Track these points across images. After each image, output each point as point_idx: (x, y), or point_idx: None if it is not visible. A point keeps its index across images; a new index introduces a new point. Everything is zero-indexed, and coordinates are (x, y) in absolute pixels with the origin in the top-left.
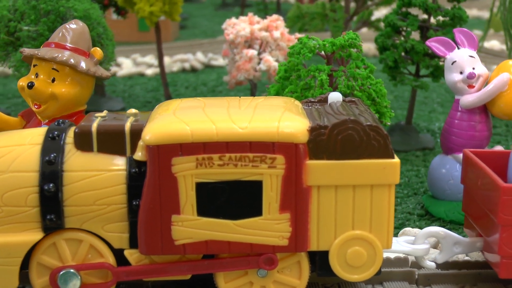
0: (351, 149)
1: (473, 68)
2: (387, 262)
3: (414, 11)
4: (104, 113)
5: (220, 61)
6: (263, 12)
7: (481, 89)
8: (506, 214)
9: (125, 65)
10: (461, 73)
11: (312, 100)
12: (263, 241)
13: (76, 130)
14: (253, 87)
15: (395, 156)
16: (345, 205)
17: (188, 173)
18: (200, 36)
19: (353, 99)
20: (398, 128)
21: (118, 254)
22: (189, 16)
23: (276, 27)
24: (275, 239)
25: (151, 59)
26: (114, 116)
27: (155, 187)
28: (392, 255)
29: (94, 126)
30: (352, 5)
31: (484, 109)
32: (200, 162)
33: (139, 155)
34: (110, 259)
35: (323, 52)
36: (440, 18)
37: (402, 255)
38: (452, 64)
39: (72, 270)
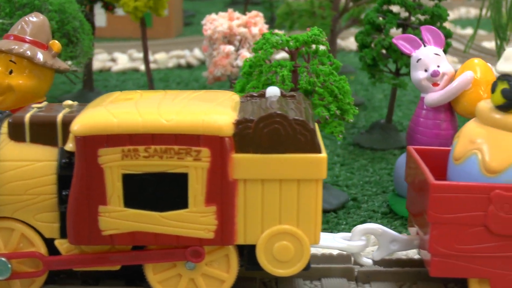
0: (277, 143)
1: (438, 66)
2: (328, 258)
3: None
4: (43, 104)
5: None
6: (269, 11)
7: (446, 87)
8: (436, 211)
9: (121, 61)
10: (425, 71)
11: (254, 94)
12: (189, 234)
13: (10, 120)
14: (232, 83)
15: (323, 150)
16: (272, 199)
17: (114, 164)
18: (200, 32)
19: (293, 94)
20: (378, 127)
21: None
22: (196, 13)
23: (255, 23)
24: (201, 232)
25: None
26: (51, 107)
27: (83, 177)
28: (334, 252)
29: (27, 117)
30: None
31: (449, 107)
32: (126, 153)
33: (70, 146)
34: (41, 248)
35: (289, 48)
36: (420, 16)
37: (345, 252)
38: (417, 61)
39: (3, 259)
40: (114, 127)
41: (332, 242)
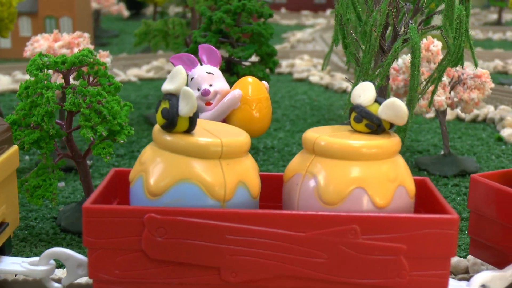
0: None
1: (210, 85)
2: (32, 284)
3: None
4: None
5: None
6: None
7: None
8: (91, 236)
9: (2, 82)
10: (198, 89)
11: None
12: None
13: None
14: None
15: None
16: None
17: None
18: (114, 52)
19: None
20: None
21: None
22: (121, 33)
23: (77, 44)
24: None
25: None
26: None
27: None
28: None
29: None
30: None
31: None
32: None
33: None
34: None
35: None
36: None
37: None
38: (191, 80)
39: None
40: None
41: (14, 267)
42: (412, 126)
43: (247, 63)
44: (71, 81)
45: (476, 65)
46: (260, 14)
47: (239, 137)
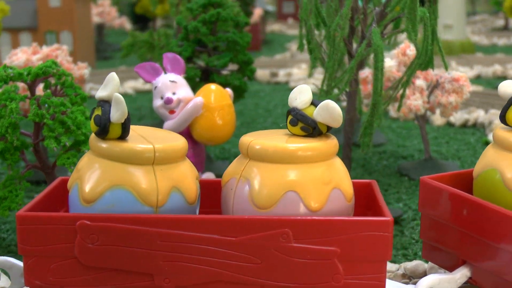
0: None
1: (174, 93)
2: None
3: None
4: None
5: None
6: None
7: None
8: (25, 243)
9: None
10: (162, 98)
11: None
12: None
13: None
14: None
15: None
16: None
17: None
18: (115, 65)
19: None
20: None
21: None
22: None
23: (56, 57)
24: None
25: None
26: None
27: None
28: None
29: None
30: None
31: (191, 135)
32: None
33: None
34: None
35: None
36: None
37: None
38: (155, 89)
39: None
40: None
41: None
42: (401, 132)
43: (225, 72)
44: (42, 92)
45: (446, 68)
46: (236, 23)
47: (173, 143)
